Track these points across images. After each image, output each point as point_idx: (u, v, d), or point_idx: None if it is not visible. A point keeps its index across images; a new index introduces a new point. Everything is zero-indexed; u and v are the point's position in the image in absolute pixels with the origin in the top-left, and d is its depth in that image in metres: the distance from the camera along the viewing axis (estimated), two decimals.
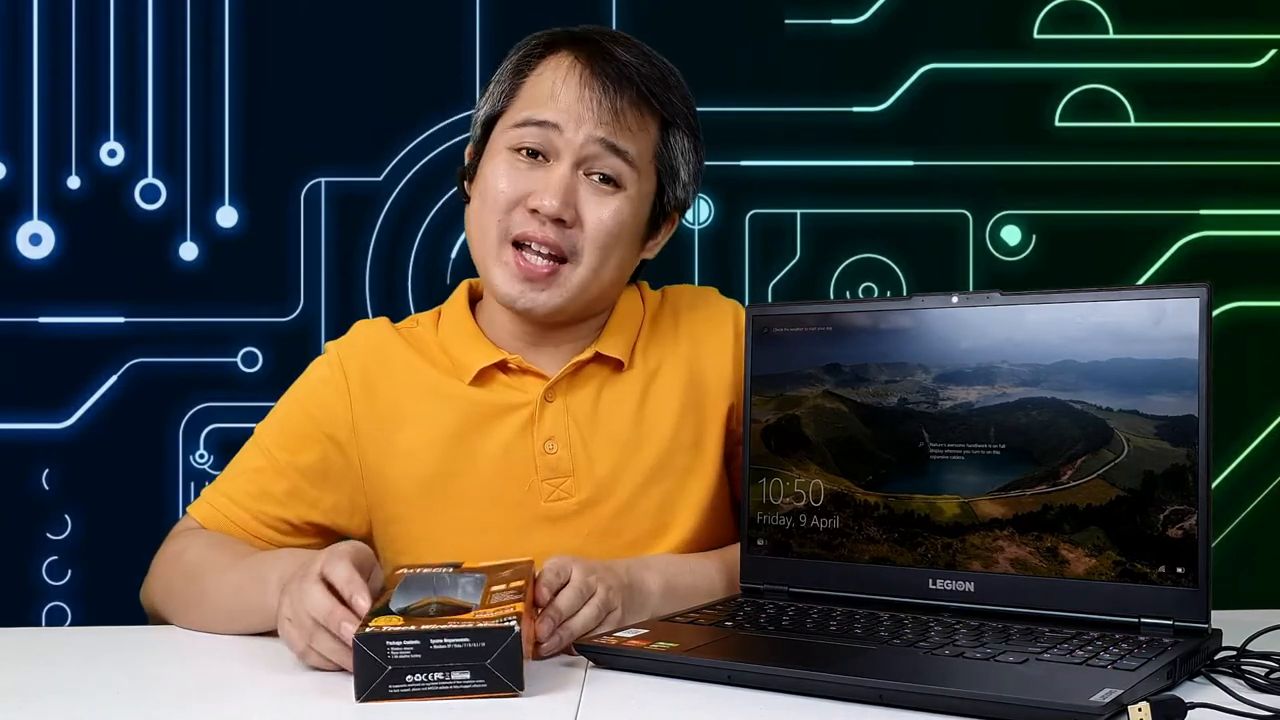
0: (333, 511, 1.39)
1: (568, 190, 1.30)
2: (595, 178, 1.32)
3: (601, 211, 1.32)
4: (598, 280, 1.35)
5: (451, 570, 1.14)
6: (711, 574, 1.32)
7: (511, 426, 1.36)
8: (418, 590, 1.09)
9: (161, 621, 1.33)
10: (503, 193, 1.32)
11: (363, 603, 1.05)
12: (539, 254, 1.32)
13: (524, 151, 1.32)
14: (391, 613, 1.03)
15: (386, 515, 1.39)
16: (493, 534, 1.35)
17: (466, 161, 1.42)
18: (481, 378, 1.38)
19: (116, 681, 1.08)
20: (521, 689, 0.99)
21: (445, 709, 0.98)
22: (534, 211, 1.30)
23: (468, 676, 0.98)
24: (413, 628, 0.98)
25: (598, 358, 1.39)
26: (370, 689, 0.98)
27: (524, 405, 1.37)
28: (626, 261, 1.38)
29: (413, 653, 0.98)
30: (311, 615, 1.06)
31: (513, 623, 0.98)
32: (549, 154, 1.32)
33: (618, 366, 1.40)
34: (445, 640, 0.98)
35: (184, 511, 1.42)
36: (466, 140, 1.44)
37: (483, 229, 1.34)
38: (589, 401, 1.38)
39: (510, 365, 1.38)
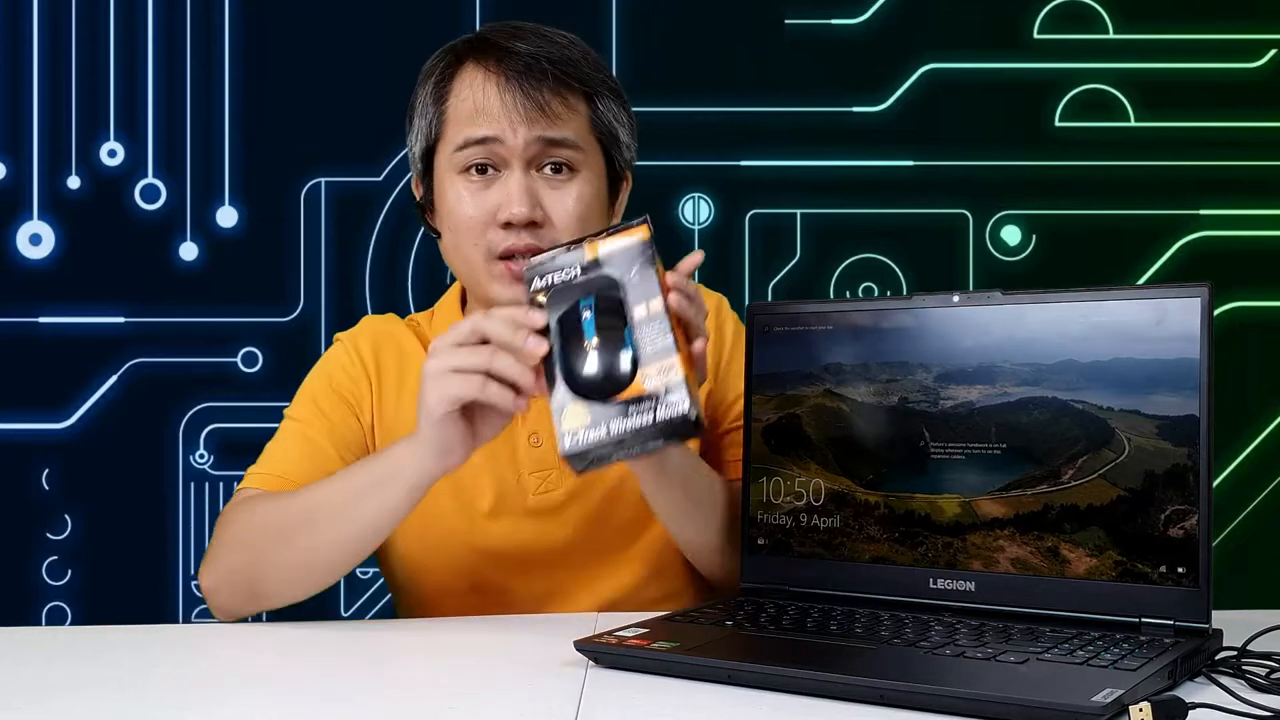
0: None
1: (530, 192, 1.32)
2: (548, 170, 1.34)
3: (566, 201, 1.34)
4: None
5: (576, 263, 1.15)
6: (709, 475, 1.33)
7: None
8: (562, 298, 1.14)
9: (235, 594, 1.27)
10: (471, 217, 1.33)
11: (538, 317, 1.13)
12: (525, 258, 1.32)
13: (474, 170, 1.34)
14: (573, 400, 1.10)
15: None
16: (486, 525, 1.36)
17: (417, 197, 1.43)
18: None
19: (116, 681, 1.08)
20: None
21: (447, 709, 0.98)
22: (506, 225, 1.32)
23: (651, 446, 1.10)
24: (604, 435, 1.08)
25: None
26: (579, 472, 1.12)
27: None
28: None
29: (609, 451, 1.09)
30: (489, 335, 1.13)
31: (686, 408, 1.07)
32: (498, 164, 1.33)
33: None
34: (634, 448, 1.09)
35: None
36: None
37: (464, 257, 1.36)
38: None
39: None
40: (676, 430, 1.08)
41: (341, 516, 1.23)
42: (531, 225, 1.32)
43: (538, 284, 1.15)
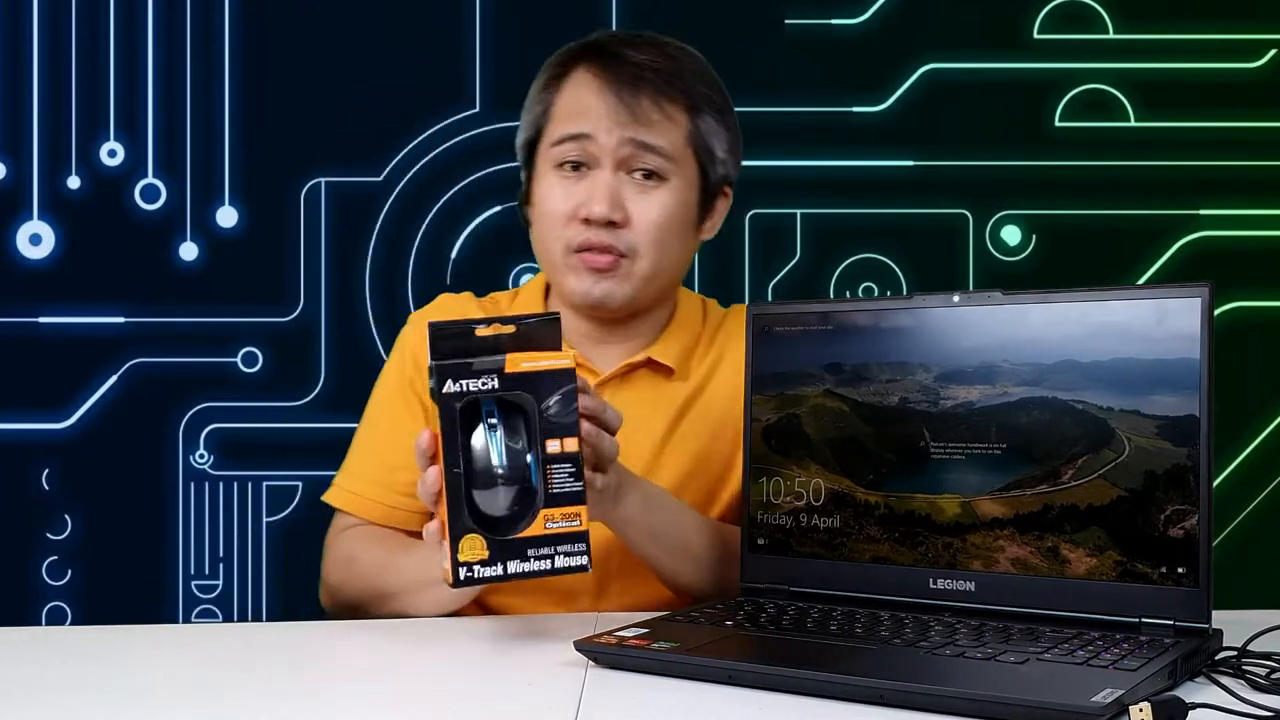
0: None
1: (613, 193, 1.36)
2: (637, 175, 1.38)
3: (649, 208, 1.38)
4: (660, 271, 1.40)
5: (494, 373, 1.10)
6: (689, 528, 1.32)
7: None
8: (474, 408, 1.11)
9: (356, 616, 1.36)
10: (557, 210, 1.39)
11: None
12: (600, 252, 1.37)
13: (567, 166, 1.39)
14: (473, 529, 1.09)
15: None
16: None
17: (522, 187, 1.48)
18: None
19: (116, 681, 1.08)
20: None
21: (447, 708, 0.98)
22: (587, 221, 1.36)
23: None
24: (500, 573, 1.10)
25: (649, 363, 1.43)
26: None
27: None
28: (685, 247, 1.44)
29: (504, 583, 1.12)
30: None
31: (584, 561, 1.11)
32: (590, 163, 1.38)
33: (668, 373, 1.43)
34: (528, 578, 1.11)
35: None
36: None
37: (546, 247, 1.41)
38: (633, 403, 1.39)
39: None
40: (570, 574, 1.12)
41: (410, 605, 1.30)
42: (611, 225, 1.36)
43: (450, 387, 1.10)
